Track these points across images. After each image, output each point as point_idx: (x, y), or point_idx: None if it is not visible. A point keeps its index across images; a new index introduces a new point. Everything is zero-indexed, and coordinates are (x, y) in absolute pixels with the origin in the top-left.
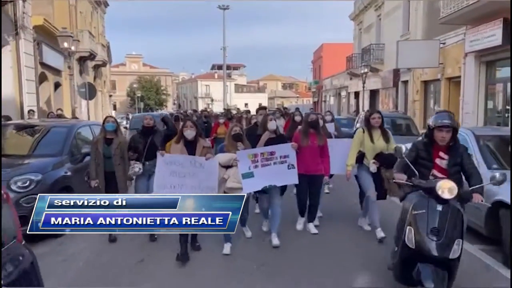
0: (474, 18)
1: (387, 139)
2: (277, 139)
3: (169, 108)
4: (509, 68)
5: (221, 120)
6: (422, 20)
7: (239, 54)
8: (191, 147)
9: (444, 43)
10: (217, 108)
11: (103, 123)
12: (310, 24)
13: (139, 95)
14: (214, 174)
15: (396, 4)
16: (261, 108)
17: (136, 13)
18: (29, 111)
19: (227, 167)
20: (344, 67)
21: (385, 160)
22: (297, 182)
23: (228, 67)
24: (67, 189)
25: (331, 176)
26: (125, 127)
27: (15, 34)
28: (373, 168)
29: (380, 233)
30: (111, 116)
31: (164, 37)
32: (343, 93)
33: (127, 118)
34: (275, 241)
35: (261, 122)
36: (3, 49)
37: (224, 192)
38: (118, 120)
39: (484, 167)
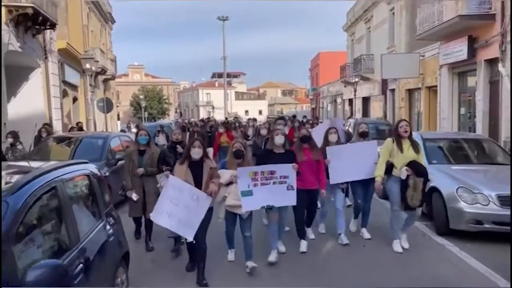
0: (444, 35)
1: (417, 150)
2: (286, 154)
3: (171, 116)
4: (474, 78)
5: (221, 130)
6: (404, 34)
7: (238, 61)
8: (196, 168)
9: (423, 56)
10: (219, 116)
11: (136, 136)
12: (309, 29)
13: (143, 105)
14: (202, 212)
15: (383, 18)
16: (280, 118)
17: (136, 22)
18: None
19: (228, 184)
20: (339, 75)
21: (418, 167)
22: (295, 203)
23: (228, 75)
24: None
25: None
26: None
27: (45, 58)
28: (404, 174)
29: (404, 243)
30: (143, 129)
31: (164, 46)
32: (339, 100)
33: (129, 127)
34: (271, 257)
35: (270, 137)
36: (34, 72)
37: (225, 210)
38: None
39: (426, 162)
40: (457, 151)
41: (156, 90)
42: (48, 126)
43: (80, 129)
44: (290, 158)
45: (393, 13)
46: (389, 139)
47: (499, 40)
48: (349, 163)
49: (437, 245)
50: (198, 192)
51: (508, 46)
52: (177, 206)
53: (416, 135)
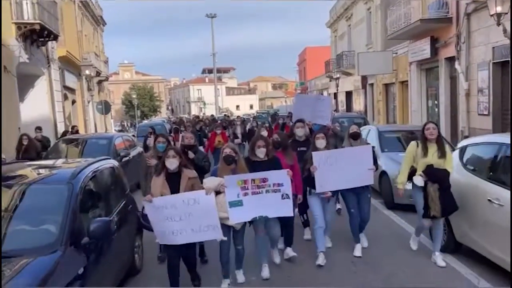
0: (411, 35)
1: (443, 155)
2: (269, 162)
3: (163, 114)
4: (437, 75)
5: (218, 131)
6: (380, 33)
7: (228, 56)
8: (174, 180)
9: (396, 53)
10: (210, 111)
11: (154, 142)
12: (298, 24)
13: (135, 103)
14: (212, 210)
15: (361, 17)
16: (299, 121)
17: (124, 20)
18: (36, 128)
19: (217, 193)
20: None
21: (434, 174)
22: (291, 214)
23: (219, 71)
24: None
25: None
26: (133, 135)
27: (48, 66)
28: (418, 181)
29: (439, 261)
30: (162, 136)
31: (153, 43)
32: (325, 94)
33: (122, 126)
34: (264, 273)
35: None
36: (39, 79)
37: None
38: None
39: (379, 150)
40: (404, 141)
41: (147, 88)
42: (27, 135)
43: (76, 132)
44: (274, 166)
45: (370, 12)
46: (413, 142)
47: (455, 40)
48: (339, 169)
49: (384, 216)
50: (190, 195)
51: (463, 46)
52: (181, 220)
53: (372, 128)
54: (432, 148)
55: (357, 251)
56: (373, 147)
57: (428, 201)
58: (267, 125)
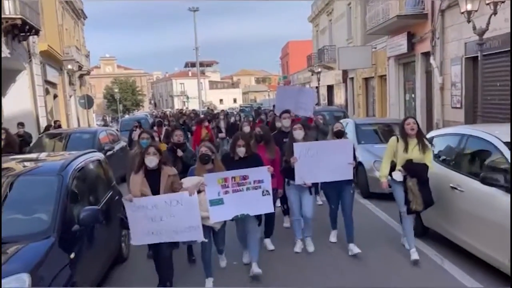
0: (389, 31)
1: (423, 150)
2: (250, 159)
3: (146, 108)
4: (413, 69)
5: (206, 124)
6: (360, 28)
7: (211, 49)
8: (153, 177)
9: (375, 48)
10: (194, 105)
11: (138, 139)
12: (281, 17)
13: (118, 97)
14: (195, 211)
15: (342, 12)
16: (285, 111)
17: (105, 12)
18: (18, 124)
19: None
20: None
21: (413, 169)
22: (272, 210)
23: (201, 64)
24: None
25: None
26: (117, 129)
27: (29, 61)
28: (397, 176)
29: (414, 254)
30: (145, 133)
31: (135, 35)
32: (307, 87)
33: (105, 120)
34: (256, 269)
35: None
36: (20, 74)
37: None
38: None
39: (356, 142)
40: (379, 133)
41: (129, 82)
42: (5, 129)
43: (59, 127)
44: (255, 163)
45: (350, 8)
46: (393, 138)
47: (430, 36)
48: (319, 162)
49: (361, 204)
50: (173, 196)
51: (438, 42)
52: (162, 221)
53: (349, 121)
54: (412, 143)
55: (333, 237)
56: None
57: (409, 196)
58: (250, 119)
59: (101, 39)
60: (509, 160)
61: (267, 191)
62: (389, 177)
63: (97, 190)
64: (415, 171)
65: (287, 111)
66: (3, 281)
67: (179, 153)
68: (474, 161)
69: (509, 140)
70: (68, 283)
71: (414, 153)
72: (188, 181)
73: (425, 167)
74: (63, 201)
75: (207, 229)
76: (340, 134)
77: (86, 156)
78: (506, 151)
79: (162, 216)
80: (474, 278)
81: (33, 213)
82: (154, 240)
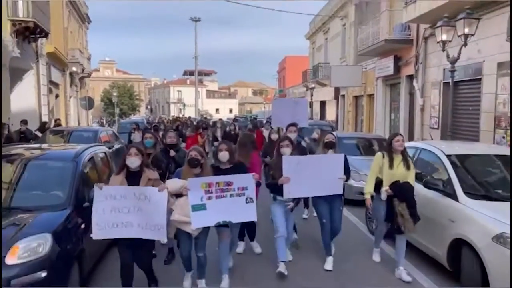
0: (378, 53)
1: (407, 166)
2: (234, 168)
3: (142, 113)
4: (399, 90)
5: (202, 131)
6: (353, 48)
7: (210, 59)
8: (134, 180)
9: (365, 68)
10: (190, 113)
11: (142, 139)
12: (279, 32)
13: (115, 101)
14: (161, 209)
15: (337, 31)
16: (292, 124)
17: (108, 15)
18: (21, 121)
19: (178, 195)
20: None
21: (400, 190)
22: (255, 219)
23: (200, 73)
24: None
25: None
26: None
27: (36, 62)
28: (383, 196)
29: (405, 276)
30: (149, 133)
31: (135, 40)
32: (301, 98)
33: (101, 122)
34: (224, 283)
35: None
36: (27, 73)
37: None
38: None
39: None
40: (360, 147)
41: (127, 86)
42: (7, 124)
43: (58, 125)
44: (237, 172)
45: (345, 28)
46: (379, 153)
47: (414, 60)
48: (309, 176)
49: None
50: (144, 190)
51: (420, 66)
52: (129, 213)
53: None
54: (397, 159)
55: (328, 265)
56: (344, 154)
57: (400, 221)
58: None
59: (101, 41)
60: (447, 169)
61: (251, 198)
62: (374, 192)
63: (103, 176)
64: (403, 193)
65: (294, 124)
66: (32, 237)
67: (172, 153)
68: (422, 169)
69: (451, 153)
70: (77, 247)
71: (399, 170)
72: (171, 183)
73: (411, 188)
74: (76, 182)
75: (187, 235)
76: (331, 145)
77: (95, 148)
78: (446, 161)
79: (130, 208)
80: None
81: (52, 190)
82: (117, 234)
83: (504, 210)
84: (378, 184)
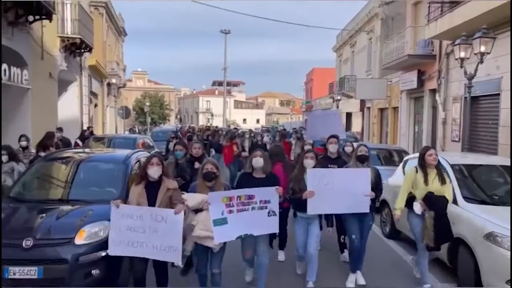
0: (402, 67)
1: (443, 180)
2: (267, 179)
3: (172, 122)
4: (422, 104)
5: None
6: (378, 61)
7: (238, 69)
8: (153, 189)
9: (391, 81)
10: (217, 123)
11: (173, 150)
12: (307, 43)
13: (147, 110)
14: (177, 230)
15: (364, 44)
16: (332, 136)
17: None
18: (57, 128)
19: (198, 211)
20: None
21: (433, 203)
22: (277, 231)
23: (228, 84)
24: None
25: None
26: None
27: (80, 74)
28: (417, 208)
29: None
30: (179, 144)
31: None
32: (331, 110)
33: (133, 131)
34: None
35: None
36: (72, 84)
37: (194, 242)
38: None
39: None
40: (381, 157)
41: (158, 96)
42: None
43: (91, 133)
44: (271, 183)
45: (371, 42)
46: (412, 168)
47: (437, 75)
48: (334, 192)
49: None
50: (160, 211)
51: (443, 81)
52: (145, 233)
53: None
54: (432, 174)
55: (350, 283)
56: (377, 169)
57: (424, 231)
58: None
59: (134, 52)
60: (450, 177)
61: (273, 211)
62: (406, 208)
63: None
64: (435, 204)
65: (335, 136)
66: (94, 224)
67: (197, 165)
68: None
69: (455, 162)
70: None
71: (435, 185)
72: (191, 198)
73: (445, 201)
74: (126, 181)
75: (205, 250)
76: (363, 159)
77: (140, 153)
78: (449, 169)
79: (145, 228)
80: None
81: (106, 187)
82: (131, 253)
83: (498, 213)
84: (411, 200)
